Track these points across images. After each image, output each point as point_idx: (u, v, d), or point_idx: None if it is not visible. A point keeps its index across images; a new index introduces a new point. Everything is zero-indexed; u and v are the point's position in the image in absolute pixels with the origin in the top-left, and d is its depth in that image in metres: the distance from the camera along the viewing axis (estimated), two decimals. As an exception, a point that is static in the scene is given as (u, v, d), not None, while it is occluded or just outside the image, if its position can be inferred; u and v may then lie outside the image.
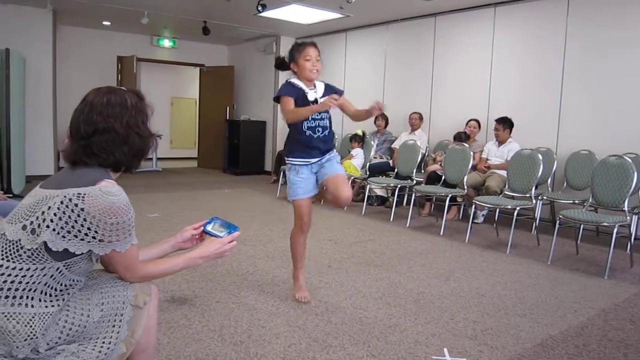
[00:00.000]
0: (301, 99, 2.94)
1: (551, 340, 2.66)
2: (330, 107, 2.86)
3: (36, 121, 7.77)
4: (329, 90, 3.04)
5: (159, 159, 10.58)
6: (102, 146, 1.51)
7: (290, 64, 3.02)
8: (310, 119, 2.93)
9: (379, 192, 6.80)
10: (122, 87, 1.60)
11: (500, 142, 5.78)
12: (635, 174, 4.06)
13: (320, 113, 2.95)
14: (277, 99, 3.02)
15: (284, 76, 10.12)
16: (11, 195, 6.10)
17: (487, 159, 5.82)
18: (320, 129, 2.99)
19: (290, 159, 3.03)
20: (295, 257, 3.18)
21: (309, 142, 2.96)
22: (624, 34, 5.20)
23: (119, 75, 9.90)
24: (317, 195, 3.14)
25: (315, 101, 2.96)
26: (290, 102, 2.92)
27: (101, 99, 1.53)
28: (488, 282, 3.64)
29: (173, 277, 3.35)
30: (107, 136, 1.51)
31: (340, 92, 3.03)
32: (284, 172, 7.46)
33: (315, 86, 3.02)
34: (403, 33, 7.65)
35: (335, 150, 3.13)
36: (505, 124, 5.71)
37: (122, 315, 1.54)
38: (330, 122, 3.07)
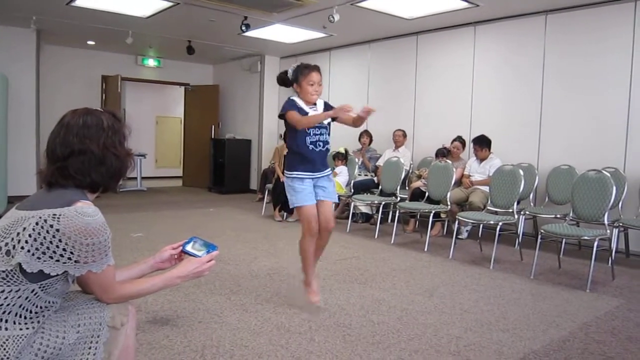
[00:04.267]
0: (299, 112, 3.11)
1: (533, 355, 2.67)
2: (344, 114, 3.06)
3: (18, 141, 7.71)
4: (328, 107, 3.20)
5: (143, 178, 10.52)
6: (78, 167, 1.50)
7: (293, 84, 3.17)
8: (312, 133, 3.09)
9: (364, 209, 6.82)
10: (99, 109, 1.61)
11: (481, 160, 5.84)
12: (614, 188, 4.13)
13: (321, 128, 3.12)
14: (282, 116, 3.15)
15: (268, 95, 10.19)
16: (-8, 216, 6.02)
17: (470, 176, 5.87)
18: (321, 143, 3.15)
19: (293, 172, 3.14)
20: (306, 264, 3.27)
21: (311, 156, 3.12)
22: (601, 49, 5.32)
23: (104, 95, 9.88)
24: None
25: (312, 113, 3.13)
26: (296, 113, 3.08)
27: (77, 120, 1.53)
28: (471, 297, 3.66)
29: (155, 297, 3.32)
30: (83, 157, 1.51)
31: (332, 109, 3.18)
32: (269, 190, 7.52)
33: (315, 104, 3.19)
34: (386, 51, 7.76)
35: (330, 169, 3.30)
36: (482, 143, 5.77)
37: (98, 336, 1.52)
38: (329, 137, 3.23)
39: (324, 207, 3.20)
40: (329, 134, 3.23)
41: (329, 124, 3.22)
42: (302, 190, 3.12)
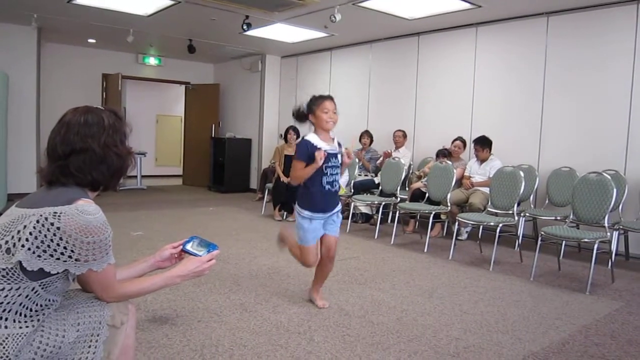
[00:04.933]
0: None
1: (533, 357, 2.67)
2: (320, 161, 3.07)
3: (19, 139, 7.70)
4: (340, 146, 3.26)
5: (143, 176, 10.52)
6: (79, 166, 1.50)
7: (308, 116, 3.20)
8: (329, 173, 3.15)
9: (364, 209, 6.82)
10: (100, 107, 1.60)
11: (482, 161, 5.84)
12: (615, 190, 4.12)
13: (336, 167, 3.19)
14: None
15: (269, 94, 10.21)
16: (-8, 213, 6.02)
17: (470, 177, 5.87)
18: (336, 183, 3.22)
19: (305, 211, 3.18)
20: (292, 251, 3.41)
21: (326, 196, 3.18)
22: (602, 51, 5.32)
23: (104, 93, 9.87)
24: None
25: (329, 156, 3.13)
26: (300, 166, 3.12)
27: (78, 118, 1.53)
28: (471, 298, 3.65)
29: (155, 296, 3.31)
30: (84, 156, 1.50)
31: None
32: (269, 190, 7.52)
33: (333, 140, 3.22)
34: (387, 52, 7.75)
35: (340, 205, 3.35)
36: (484, 144, 5.78)
37: (98, 335, 1.52)
38: (339, 174, 3.29)
39: (327, 239, 3.27)
40: (339, 173, 3.30)
41: (341, 163, 3.24)
42: (309, 230, 3.18)
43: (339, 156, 3.22)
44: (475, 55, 6.52)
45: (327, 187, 3.16)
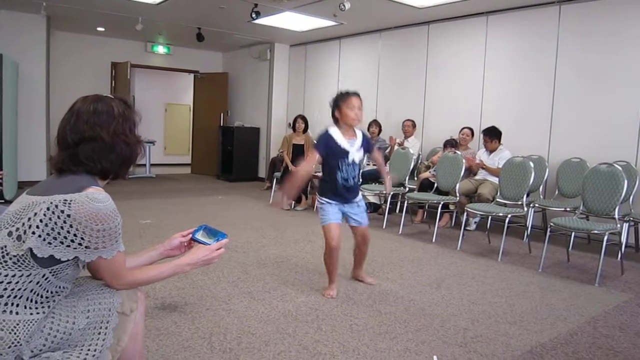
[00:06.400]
0: (334, 149, 3.21)
1: (541, 348, 2.66)
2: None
3: (29, 127, 7.75)
4: (365, 142, 3.33)
5: (152, 165, 10.56)
6: (89, 154, 1.51)
7: (334, 111, 3.27)
8: (344, 170, 3.23)
9: (372, 199, 6.81)
10: (110, 95, 1.60)
11: (491, 151, 5.80)
12: (626, 181, 4.08)
13: (354, 165, 3.26)
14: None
15: (278, 83, 10.19)
16: (3, 201, 6.08)
17: (480, 160, 5.85)
18: (352, 180, 3.29)
19: (324, 198, 3.32)
20: (329, 272, 3.40)
21: (341, 191, 3.28)
22: (614, 40, 5.25)
23: (113, 81, 9.89)
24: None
25: (346, 153, 3.22)
26: (313, 157, 3.22)
27: (88, 107, 1.53)
28: (479, 289, 3.65)
29: (163, 284, 3.34)
30: (94, 144, 1.51)
31: (371, 147, 3.45)
32: (277, 179, 7.52)
33: (355, 136, 3.29)
34: (396, 40, 7.70)
35: (360, 194, 3.45)
36: (492, 134, 5.74)
37: (108, 322, 1.53)
38: (360, 170, 3.42)
39: (358, 230, 3.44)
40: (359, 169, 3.38)
41: (360, 160, 3.33)
42: (329, 211, 3.29)
43: (362, 152, 3.29)
44: (486, 45, 6.46)
45: (342, 182, 3.25)
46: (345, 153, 3.22)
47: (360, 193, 3.46)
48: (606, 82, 5.32)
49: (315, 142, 3.30)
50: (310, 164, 3.26)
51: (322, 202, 3.33)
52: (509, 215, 4.65)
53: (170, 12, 7.33)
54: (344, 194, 3.30)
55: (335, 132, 3.23)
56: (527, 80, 6.03)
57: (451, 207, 5.93)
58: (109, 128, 1.53)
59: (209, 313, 2.96)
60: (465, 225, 5.21)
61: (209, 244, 1.77)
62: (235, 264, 4.02)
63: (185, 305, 3.08)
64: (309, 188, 7.01)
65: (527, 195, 4.99)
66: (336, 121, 3.28)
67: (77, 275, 1.56)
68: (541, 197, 5.68)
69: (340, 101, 3.23)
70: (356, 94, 3.24)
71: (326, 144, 3.22)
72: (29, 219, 1.40)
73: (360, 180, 6.64)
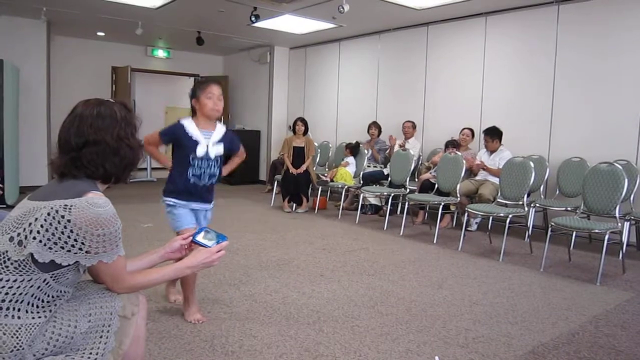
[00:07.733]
0: (183, 138, 2.85)
1: (542, 348, 2.66)
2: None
3: (30, 132, 7.76)
4: (227, 137, 2.99)
5: (153, 169, 10.56)
6: (92, 158, 1.52)
7: (192, 100, 2.92)
8: (196, 165, 2.85)
9: (373, 200, 6.82)
10: (110, 99, 1.61)
11: (492, 152, 5.81)
12: (626, 180, 4.09)
13: (209, 160, 2.88)
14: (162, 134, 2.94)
15: (278, 86, 10.18)
16: (4, 205, 6.10)
17: (480, 160, 5.85)
18: (207, 178, 2.92)
19: (171, 199, 2.88)
20: (188, 294, 2.94)
21: (191, 188, 2.88)
22: (614, 40, 5.25)
23: (114, 86, 9.90)
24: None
25: (196, 144, 2.84)
26: (154, 138, 2.91)
27: (91, 111, 1.54)
28: (480, 289, 3.65)
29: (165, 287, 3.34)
30: (97, 148, 1.52)
31: (235, 145, 3.11)
32: (278, 182, 7.52)
33: (214, 129, 2.93)
34: (396, 42, 7.70)
35: (212, 204, 3.08)
36: (494, 134, 5.74)
37: (109, 326, 1.54)
38: (221, 168, 3.02)
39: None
40: (219, 168, 3.00)
41: (218, 157, 2.95)
42: (180, 214, 2.88)
43: (221, 147, 2.95)
44: (485, 45, 6.46)
45: (194, 180, 2.86)
46: (195, 143, 2.82)
47: (213, 202, 3.07)
48: (606, 81, 5.32)
49: (164, 128, 2.95)
50: (152, 141, 2.91)
51: (169, 203, 2.87)
52: (510, 216, 4.65)
53: (169, 16, 7.35)
54: (193, 192, 2.89)
55: (188, 122, 2.86)
56: (527, 79, 6.03)
57: (452, 207, 5.93)
58: (112, 132, 1.54)
59: (211, 316, 2.97)
60: (466, 226, 5.22)
61: (210, 247, 1.77)
62: (237, 266, 4.02)
63: (187, 308, 3.08)
64: (310, 190, 7.01)
65: (528, 195, 5.00)
66: (194, 113, 2.92)
67: (78, 279, 1.56)
68: (542, 197, 5.67)
69: (198, 90, 2.87)
70: (216, 82, 2.92)
71: (173, 131, 2.87)
72: (30, 224, 1.41)
73: (361, 182, 6.70)
